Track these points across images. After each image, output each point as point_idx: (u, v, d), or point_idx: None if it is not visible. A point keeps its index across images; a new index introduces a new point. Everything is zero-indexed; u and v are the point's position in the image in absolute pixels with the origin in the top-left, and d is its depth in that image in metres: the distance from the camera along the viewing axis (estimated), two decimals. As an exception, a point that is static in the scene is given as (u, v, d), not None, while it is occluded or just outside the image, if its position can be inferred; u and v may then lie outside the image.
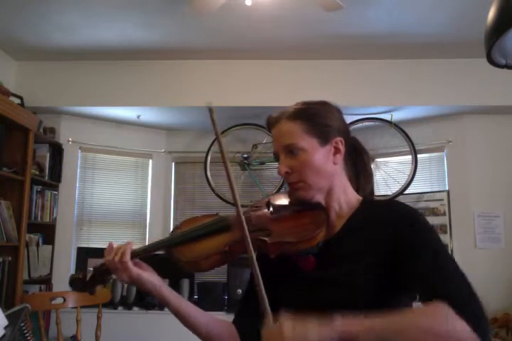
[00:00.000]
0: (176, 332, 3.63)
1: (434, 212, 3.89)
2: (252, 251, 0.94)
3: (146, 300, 3.79)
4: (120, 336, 3.54)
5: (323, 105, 1.14)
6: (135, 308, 3.77)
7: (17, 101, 3.49)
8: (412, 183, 3.87)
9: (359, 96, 3.72)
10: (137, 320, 3.71)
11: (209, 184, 4.07)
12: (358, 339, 0.84)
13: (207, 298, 3.76)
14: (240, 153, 4.06)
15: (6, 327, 1.72)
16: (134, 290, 3.81)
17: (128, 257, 1.05)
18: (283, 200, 1.15)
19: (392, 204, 1.09)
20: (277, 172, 1.12)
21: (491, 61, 1.24)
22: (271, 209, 1.11)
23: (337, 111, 1.15)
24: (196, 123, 4.27)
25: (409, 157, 3.90)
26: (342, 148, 1.10)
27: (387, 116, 3.87)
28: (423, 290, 0.93)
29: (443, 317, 0.84)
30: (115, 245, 1.10)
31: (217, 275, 3.99)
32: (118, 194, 4.30)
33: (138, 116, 4.08)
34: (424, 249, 0.97)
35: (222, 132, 4.08)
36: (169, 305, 1.07)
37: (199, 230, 1.10)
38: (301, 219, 1.07)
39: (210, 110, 1.05)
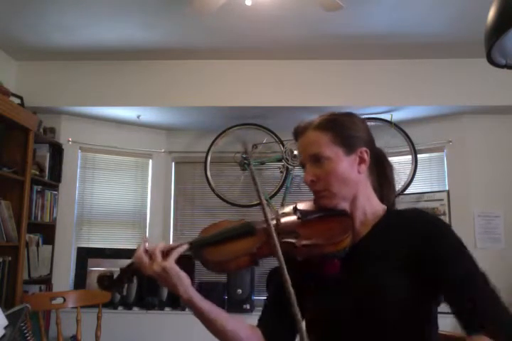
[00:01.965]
0: (175, 332, 3.65)
1: (434, 212, 3.89)
2: (281, 255, 0.94)
3: (146, 300, 3.79)
4: (120, 336, 3.54)
5: (349, 116, 1.17)
6: (135, 308, 3.77)
7: (17, 101, 3.49)
8: (412, 183, 3.87)
9: (359, 96, 3.72)
10: (137, 320, 3.71)
11: (209, 184, 4.07)
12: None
13: (207, 298, 3.74)
14: (239, 153, 4.05)
15: (6, 327, 1.72)
16: (134, 290, 3.81)
17: (168, 247, 1.04)
18: (309, 206, 1.17)
19: (418, 212, 1.11)
20: (303, 181, 1.14)
21: (491, 61, 1.24)
22: (298, 214, 1.13)
23: (362, 122, 1.18)
24: (196, 123, 4.27)
25: (409, 157, 3.90)
26: (367, 157, 1.13)
27: (387, 116, 3.87)
28: (457, 307, 0.95)
29: None
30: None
31: (217, 275, 3.98)
32: (118, 194, 4.30)
33: (138, 116, 4.08)
34: (457, 260, 0.99)
35: (222, 132, 4.08)
36: (194, 304, 1.05)
37: (227, 233, 1.11)
38: (329, 224, 1.10)
39: (249, 162, 1.10)
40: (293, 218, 1.13)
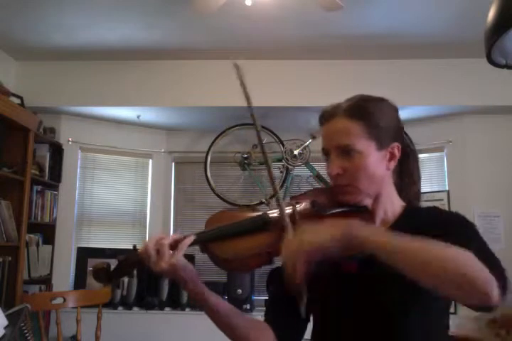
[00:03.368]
0: (175, 332, 3.64)
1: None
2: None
3: (146, 300, 3.79)
4: (120, 336, 3.54)
5: (381, 103, 1.11)
6: (135, 308, 3.77)
7: (17, 101, 3.49)
8: (412, 183, 3.86)
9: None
10: (137, 320, 3.71)
11: (209, 184, 4.07)
12: (371, 250, 0.84)
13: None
14: (240, 153, 4.05)
15: (6, 327, 1.72)
16: (134, 290, 3.81)
17: (174, 239, 0.97)
18: (325, 198, 1.08)
19: (436, 210, 1.09)
20: (327, 172, 1.07)
21: (491, 61, 1.24)
22: (316, 208, 1.04)
23: (395, 111, 1.12)
24: (196, 123, 4.27)
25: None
26: (398, 154, 1.07)
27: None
28: None
29: (473, 259, 0.83)
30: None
31: (218, 275, 3.98)
32: (118, 194, 4.30)
33: (138, 116, 4.08)
34: (470, 242, 0.97)
35: (222, 132, 4.08)
36: (204, 299, 1.01)
37: (240, 226, 1.01)
38: None
39: (237, 67, 1.02)
40: (310, 212, 1.04)
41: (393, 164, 1.07)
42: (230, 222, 1.03)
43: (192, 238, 0.99)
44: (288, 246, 0.89)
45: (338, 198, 1.06)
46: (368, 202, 1.06)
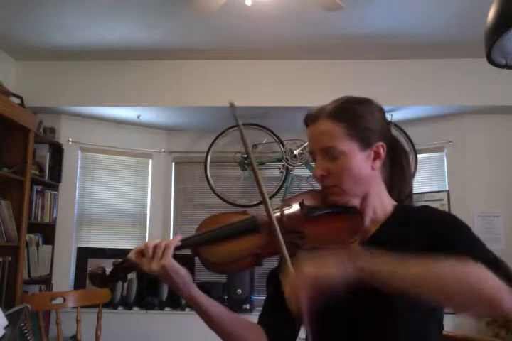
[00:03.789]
0: (175, 332, 3.65)
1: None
2: (288, 256, 0.91)
3: (146, 300, 3.79)
4: (120, 336, 3.54)
5: (366, 104, 1.11)
6: (135, 308, 3.77)
7: (17, 101, 3.49)
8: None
9: (359, 96, 3.72)
10: (137, 320, 3.71)
11: (209, 184, 4.07)
12: (384, 283, 0.82)
13: (207, 298, 3.75)
14: (240, 153, 4.06)
15: (6, 327, 1.72)
16: (134, 290, 3.81)
17: (166, 243, 0.99)
18: (316, 200, 1.09)
19: (428, 209, 1.08)
20: (312, 175, 1.08)
21: (491, 61, 1.24)
22: (304, 210, 1.06)
23: (380, 112, 1.12)
24: (196, 123, 4.27)
25: (410, 157, 3.90)
26: (383, 153, 1.07)
27: (387, 116, 3.87)
28: None
29: (484, 273, 0.83)
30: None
31: (217, 275, 3.98)
32: (118, 194, 4.30)
33: (138, 116, 4.08)
34: (464, 240, 1.00)
35: (222, 132, 4.08)
36: (196, 303, 1.01)
37: (228, 229, 1.04)
38: (337, 223, 1.04)
39: (233, 107, 1.04)
40: (298, 214, 1.06)
41: (378, 163, 1.07)
42: (219, 225, 1.05)
43: (179, 241, 1.00)
44: (289, 281, 0.87)
45: (326, 199, 1.07)
46: (355, 202, 1.07)
